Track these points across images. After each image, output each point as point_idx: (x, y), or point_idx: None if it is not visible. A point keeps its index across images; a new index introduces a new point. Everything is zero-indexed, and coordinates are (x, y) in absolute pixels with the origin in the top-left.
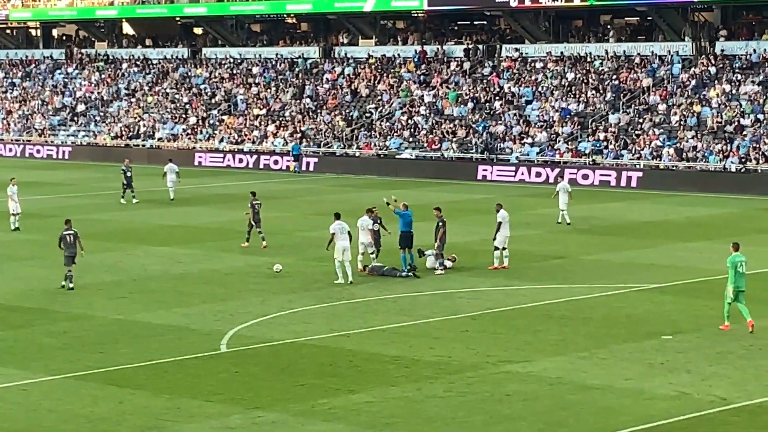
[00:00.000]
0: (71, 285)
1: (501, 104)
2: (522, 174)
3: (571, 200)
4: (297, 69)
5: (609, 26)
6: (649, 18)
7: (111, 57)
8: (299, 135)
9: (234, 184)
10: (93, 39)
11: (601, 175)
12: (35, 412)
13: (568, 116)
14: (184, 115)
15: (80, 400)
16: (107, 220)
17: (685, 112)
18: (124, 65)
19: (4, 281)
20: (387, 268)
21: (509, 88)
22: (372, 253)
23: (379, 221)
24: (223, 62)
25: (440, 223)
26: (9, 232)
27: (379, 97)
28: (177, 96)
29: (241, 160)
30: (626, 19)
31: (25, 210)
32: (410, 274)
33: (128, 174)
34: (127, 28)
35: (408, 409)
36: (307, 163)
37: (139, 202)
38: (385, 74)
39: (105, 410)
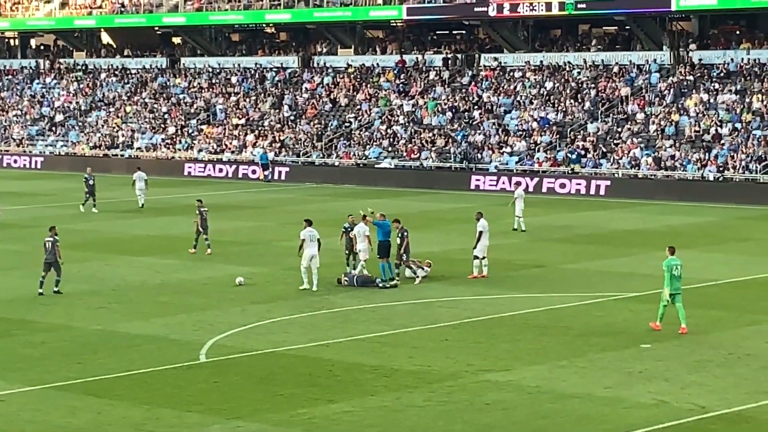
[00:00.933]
0: (41, 291)
1: (480, 113)
2: (503, 183)
3: (526, 207)
4: (276, 78)
5: (587, 35)
6: (627, 27)
7: (89, 67)
8: (278, 144)
9: (214, 193)
10: (71, 49)
11: (578, 184)
12: (13, 423)
13: (546, 125)
14: (163, 125)
15: (59, 411)
16: (86, 230)
17: (663, 121)
18: (103, 75)
19: None
20: (363, 278)
21: (488, 97)
22: (359, 261)
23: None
24: (202, 72)
25: (401, 234)
26: None
27: (359, 107)
28: (156, 106)
29: (221, 170)
30: (605, 28)
31: (3, 220)
32: (388, 284)
33: (90, 182)
34: (106, 38)
35: (387, 419)
36: (287, 172)
37: (98, 212)
38: (364, 84)
39: (84, 421)
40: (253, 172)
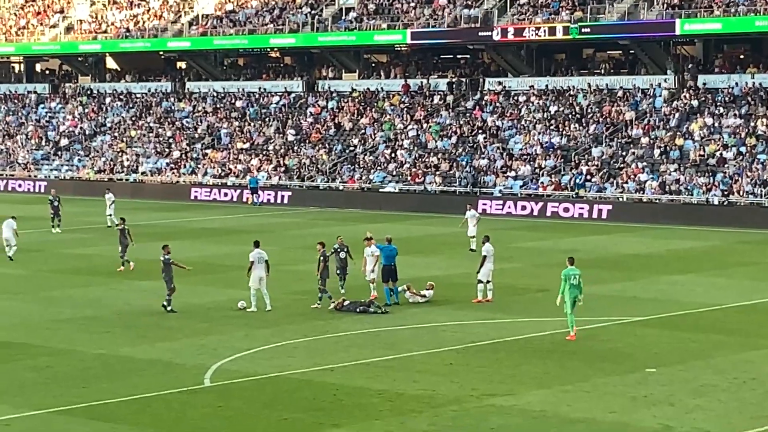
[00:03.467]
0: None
1: (484, 137)
2: (509, 207)
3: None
4: (280, 103)
5: (592, 60)
6: (631, 51)
7: (94, 91)
8: (283, 168)
9: (219, 217)
10: (76, 73)
11: (582, 208)
12: None
13: (551, 149)
14: (167, 149)
15: None
16: (90, 255)
17: (667, 145)
18: (108, 99)
19: None
20: (358, 305)
21: (492, 121)
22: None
23: (346, 249)
24: (207, 96)
25: (321, 258)
26: None
27: (363, 131)
28: (160, 130)
29: (226, 194)
30: (609, 52)
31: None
32: (384, 310)
33: (55, 204)
34: (111, 63)
35: None
36: (290, 196)
37: (61, 232)
38: (368, 108)
39: None
40: (257, 196)
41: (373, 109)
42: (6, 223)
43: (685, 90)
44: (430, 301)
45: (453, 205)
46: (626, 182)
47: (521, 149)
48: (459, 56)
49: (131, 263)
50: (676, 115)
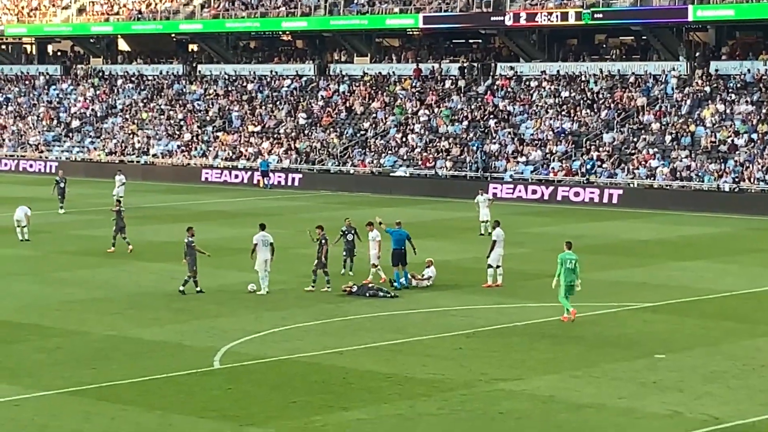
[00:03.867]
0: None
1: (495, 122)
2: (519, 192)
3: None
4: (292, 86)
5: (604, 45)
6: (644, 37)
7: (106, 73)
8: (293, 152)
9: (230, 200)
10: (88, 55)
11: (593, 193)
12: (28, 428)
13: (562, 135)
14: (178, 132)
15: (72, 416)
16: (100, 236)
17: (679, 132)
18: (119, 81)
19: None
20: (367, 290)
21: (504, 106)
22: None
23: (353, 232)
24: (218, 79)
25: (323, 241)
26: (2, 247)
27: (374, 115)
28: (172, 112)
29: (237, 176)
30: (621, 38)
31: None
32: (393, 294)
33: (62, 185)
34: (123, 45)
35: (401, 427)
36: (301, 179)
37: (65, 213)
38: (379, 92)
39: (97, 426)
40: (268, 182)
41: (385, 93)
42: (21, 207)
43: (696, 76)
44: (435, 284)
45: (464, 190)
46: (637, 168)
47: (532, 134)
48: (471, 41)
49: (130, 246)
50: (688, 101)
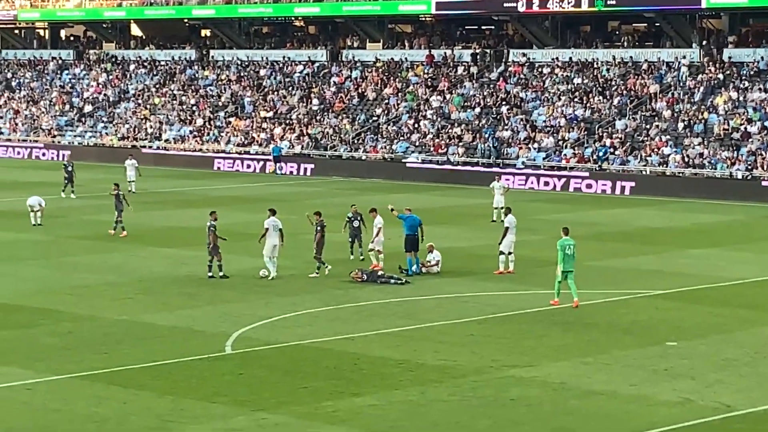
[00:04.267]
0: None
1: (508, 109)
2: (532, 183)
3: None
4: (304, 72)
5: (617, 32)
6: (657, 24)
7: (118, 58)
8: (306, 138)
9: (242, 186)
10: (101, 40)
11: (605, 181)
12: (40, 412)
13: (574, 122)
14: (191, 117)
15: (84, 401)
16: (112, 221)
17: (692, 119)
18: (132, 66)
19: (9, 281)
20: (378, 276)
21: (516, 92)
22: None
23: (359, 218)
24: (231, 64)
25: (318, 228)
26: (16, 232)
27: (386, 101)
28: (184, 98)
29: (248, 165)
30: (634, 25)
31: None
32: (404, 280)
33: (69, 169)
34: (135, 30)
35: (412, 413)
36: (313, 167)
37: (75, 197)
38: (392, 78)
39: (109, 411)
40: (280, 168)
41: (397, 80)
42: (35, 196)
43: (710, 63)
44: (446, 271)
45: (476, 178)
46: (649, 155)
47: (545, 121)
48: (483, 27)
49: (124, 231)
50: (701, 88)
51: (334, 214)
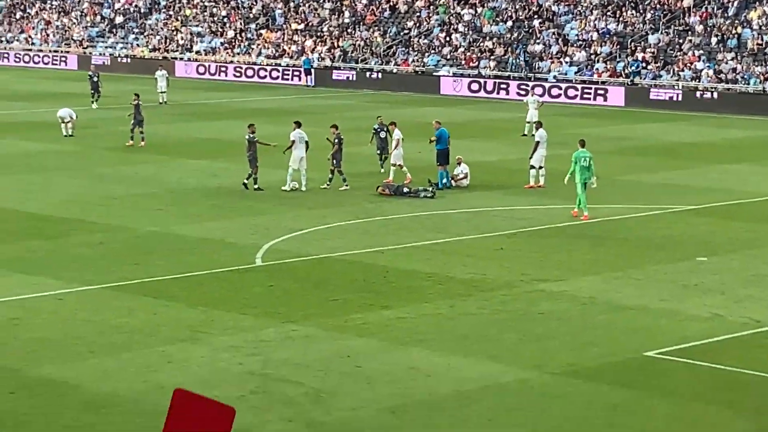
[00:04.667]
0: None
1: (540, 23)
2: (563, 94)
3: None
4: None
5: None
6: None
7: None
8: (338, 51)
9: (271, 98)
10: None
11: (637, 95)
12: (70, 322)
13: (607, 36)
14: (222, 29)
15: (115, 311)
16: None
17: (725, 34)
18: None
19: (41, 192)
20: (407, 189)
21: (548, 6)
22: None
23: (385, 129)
24: None
25: (336, 141)
26: (47, 143)
27: (418, 14)
28: (215, 9)
29: (276, 76)
30: None
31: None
32: (432, 193)
33: (95, 79)
34: None
35: (440, 326)
36: (347, 78)
37: (98, 108)
38: None
39: (139, 321)
40: (310, 80)
41: None
42: (65, 108)
43: None
44: (476, 185)
45: (507, 90)
46: (682, 70)
47: (577, 35)
48: None
49: (143, 141)
50: (735, 3)
51: (365, 127)
